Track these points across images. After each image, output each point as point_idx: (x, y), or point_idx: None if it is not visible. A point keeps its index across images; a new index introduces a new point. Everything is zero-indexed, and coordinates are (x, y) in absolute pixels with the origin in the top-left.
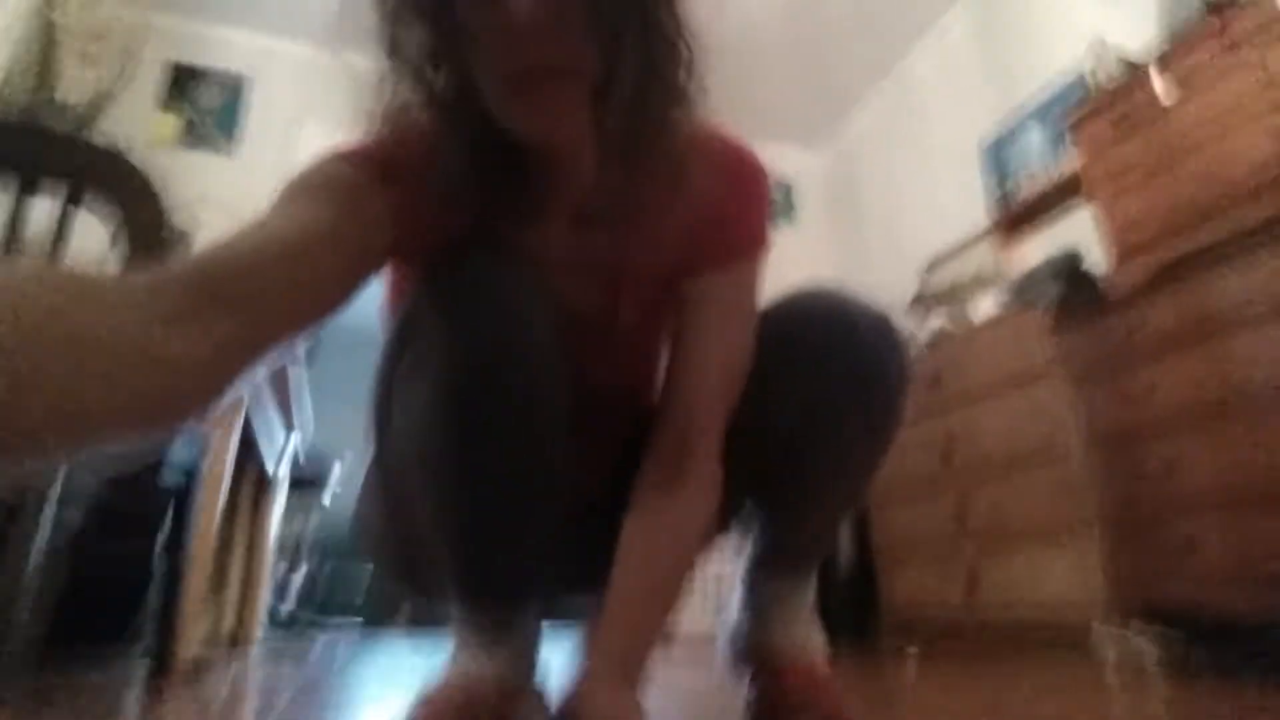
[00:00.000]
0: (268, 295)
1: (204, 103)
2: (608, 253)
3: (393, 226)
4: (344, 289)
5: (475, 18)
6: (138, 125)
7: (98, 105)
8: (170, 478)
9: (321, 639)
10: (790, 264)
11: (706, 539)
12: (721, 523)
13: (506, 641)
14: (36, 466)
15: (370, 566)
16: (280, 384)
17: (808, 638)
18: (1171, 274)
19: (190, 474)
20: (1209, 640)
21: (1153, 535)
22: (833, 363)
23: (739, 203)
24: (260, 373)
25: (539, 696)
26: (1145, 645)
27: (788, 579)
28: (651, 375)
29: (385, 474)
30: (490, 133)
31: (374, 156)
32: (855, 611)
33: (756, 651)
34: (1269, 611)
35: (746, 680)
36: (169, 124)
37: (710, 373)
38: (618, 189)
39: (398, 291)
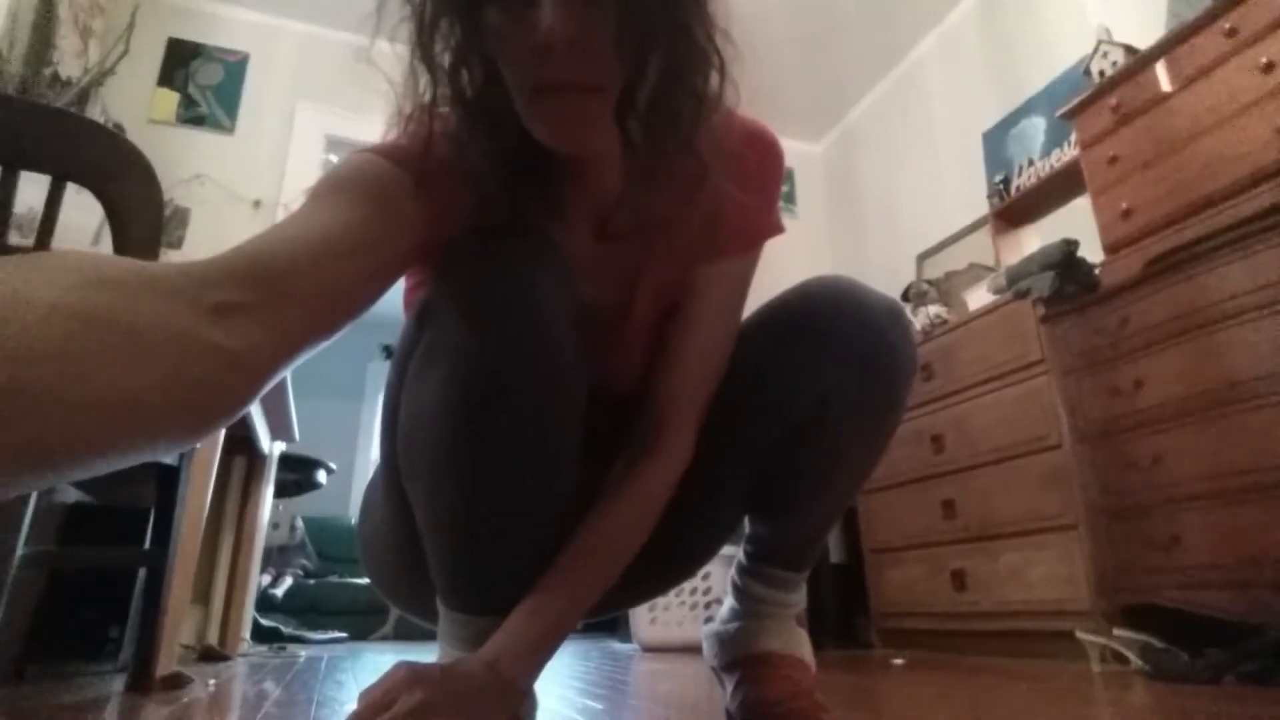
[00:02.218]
0: (312, 292)
1: (203, 79)
2: (628, 258)
3: (424, 229)
4: (376, 289)
5: (504, 28)
6: (137, 101)
7: (96, 80)
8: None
9: (305, 652)
10: (788, 252)
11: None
12: (721, 535)
13: None
14: (89, 469)
15: (358, 578)
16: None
17: (796, 644)
18: (1163, 266)
19: (176, 466)
20: (1191, 642)
21: (1138, 531)
22: (846, 351)
23: (758, 190)
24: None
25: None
26: (1127, 650)
27: (779, 584)
28: None
29: (391, 471)
30: (517, 132)
31: (411, 158)
32: (844, 613)
33: (744, 659)
34: (1252, 610)
35: (732, 688)
36: (168, 100)
37: (702, 356)
38: (641, 204)
39: (415, 290)
